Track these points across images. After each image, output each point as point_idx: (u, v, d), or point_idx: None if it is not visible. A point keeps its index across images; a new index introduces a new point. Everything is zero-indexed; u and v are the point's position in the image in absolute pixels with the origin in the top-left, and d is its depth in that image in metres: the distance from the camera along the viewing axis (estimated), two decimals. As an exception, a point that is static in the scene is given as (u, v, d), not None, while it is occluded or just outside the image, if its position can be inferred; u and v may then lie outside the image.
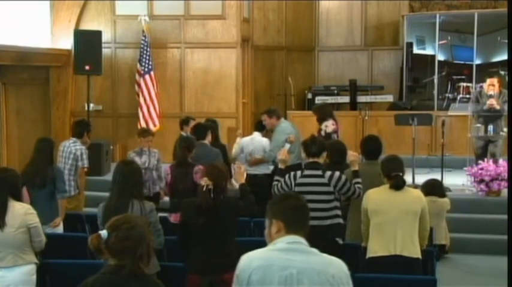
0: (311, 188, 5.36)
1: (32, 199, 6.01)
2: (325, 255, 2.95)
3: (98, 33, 10.71)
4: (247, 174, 8.06)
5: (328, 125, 8.31)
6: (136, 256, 2.86)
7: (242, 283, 2.92)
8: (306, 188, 5.41)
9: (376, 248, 4.94)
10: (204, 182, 4.62)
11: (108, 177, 9.48)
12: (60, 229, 6.36)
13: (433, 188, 7.35)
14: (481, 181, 8.47)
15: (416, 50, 13.35)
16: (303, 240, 2.93)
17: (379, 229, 4.94)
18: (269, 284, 2.87)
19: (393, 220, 4.88)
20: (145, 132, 7.78)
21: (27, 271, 4.77)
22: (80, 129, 7.51)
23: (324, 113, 8.50)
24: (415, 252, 4.90)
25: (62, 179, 6.45)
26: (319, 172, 5.45)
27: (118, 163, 5.01)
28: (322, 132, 8.21)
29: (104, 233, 2.87)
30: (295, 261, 2.87)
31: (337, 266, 2.93)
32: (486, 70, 12.08)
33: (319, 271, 2.87)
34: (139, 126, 11.01)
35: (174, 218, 6.36)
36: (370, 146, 6.01)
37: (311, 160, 5.56)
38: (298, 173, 5.49)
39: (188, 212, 4.76)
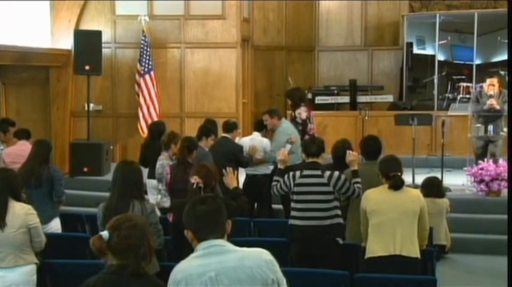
0: (310, 188, 5.37)
1: (28, 199, 6.01)
2: (242, 249, 2.97)
3: (98, 33, 10.71)
4: (246, 174, 8.08)
5: (301, 112, 8.61)
6: (139, 255, 2.86)
7: None
8: (305, 188, 5.41)
9: (375, 248, 4.94)
10: (194, 180, 4.61)
11: (108, 177, 9.47)
12: (58, 230, 6.34)
13: (432, 188, 7.35)
14: (481, 181, 8.47)
15: (416, 50, 13.35)
16: (218, 241, 2.94)
17: (378, 229, 4.94)
18: None
19: (392, 220, 4.88)
20: (177, 136, 7.24)
21: (28, 271, 4.78)
22: None
23: (298, 98, 8.82)
24: (415, 252, 4.91)
25: (60, 182, 6.42)
26: (319, 172, 5.45)
27: (118, 163, 5.00)
28: (298, 119, 8.53)
29: (105, 234, 2.87)
30: (212, 264, 2.90)
31: (252, 257, 2.94)
32: (486, 70, 12.07)
33: (234, 267, 2.89)
34: (139, 127, 11.04)
35: (172, 217, 6.35)
36: (370, 146, 6.01)
37: (310, 160, 5.56)
38: (298, 173, 5.49)
39: (179, 211, 4.75)
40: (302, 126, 8.50)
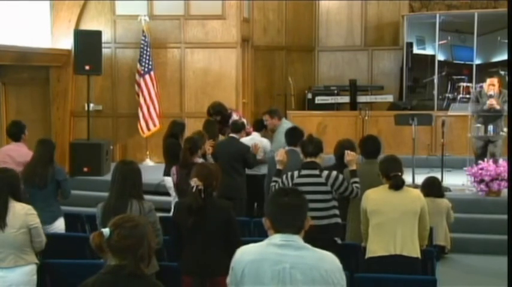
0: (308, 187, 5.36)
1: (31, 199, 6.00)
2: (318, 250, 2.97)
3: (98, 33, 10.71)
4: (246, 174, 8.07)
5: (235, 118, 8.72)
6: (137, 256, 2.85)
7: (237, 275, 2.98)
8: (303, 188, 5.39)
9: (375, 248, 4.94)
10: (194, 182, 4.59)
11: (108, 177, 9.45)
12: (62, 229, 6.34)
13: (432, 188, 7.35)
14: (481, 181, 8.47)
15: (416, 50, 13.35)
16: (295, 237, 2.94)
17: (378, 229, 4.94)
18: (262, 278, 2.91)
19: (392, 220, 4.88)
20: (204, 136, 7.14)
21: (28, 271, 4.78)
22: None
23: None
24: (415, 252, 4.90)
25: (66, 182, 6.38)
26: (316, 172, 5.45)
27: (117, 163, 4.99)
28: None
29: (106, 231, 2.86)
30: (288, 256, 2.90)
31: (329, 261, 2.95)
32: (486, 70, 12.08)
33: (311, 265, 2.89)
34: (139, 127, 11.04)
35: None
36: (369, 146, 6.02)
37: (308, 159, 5.56)
38: (296, 173, 5.49)
39: (179, 212, 4.75)
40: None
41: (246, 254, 2.99)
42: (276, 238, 2.94)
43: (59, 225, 6.31)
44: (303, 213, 3.00)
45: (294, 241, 2.92)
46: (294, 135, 6.91)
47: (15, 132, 6.99)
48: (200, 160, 6.43)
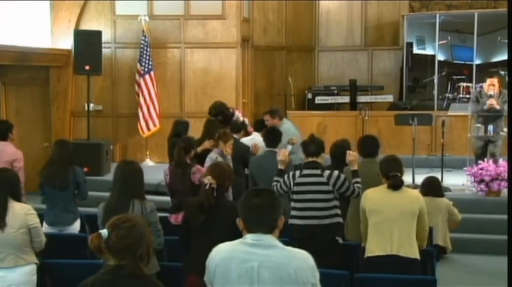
0: (310, 187, 5.37)
1: (52, 200, 6.00)
2: (289, 248, 2.98)
3: (98, 33, 10.71)
4: (246, 175, 8.07)
5: (239, 116, 8.87)
6: (136, 256, 2.85)
7: (209, 272, 3.04)
8: (304, 187, 5.42)
9: (373, 247, 4.94)
10: (207, 180, 4.60)
11: (108, 177, 9.48)
12: (76, 230, 6.34)
13: (432, 187, 7.35)
14: (481, 181, 8.47)
15: (416, 50, 13.35)
16: (266, 237, 2.95)
17: (376, 228, 4.95)
18: (230, 276, 2.94)
19: (390, 220, 4.88)
20: (227, 135, 7.17)
21: (28, 271, 4.78)
22: None
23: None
24: (413, 252, 4.89)
25: (85, 183, 6.38)
26: (318, 171, 5.45)
27: (119, 163, 4.99)
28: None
29: (104, 232, 2.87)
30: (256, 255, 2.92)
31: (300, 259, 2.95)
32: (486, 70, 12.08)
33: (280, 264, 2.90)
34: (139, 127, 11.04)
35: (174, 218, 6.35)
36: (368, 146, 6.02)
37: (310, 159, 5.56)
38: (297, 172, 5.50)
39: (190, 210, 4.74)
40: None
41: (218, 252, 3.04)
42: (247, 238, 2.97)
43: (77, 226, 6.34)
44: (275, 212, 3.00)
45: (263, 240, 2.94)
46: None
47: (2, 132, 6.98)
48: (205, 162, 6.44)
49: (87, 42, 10.43)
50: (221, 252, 3.02)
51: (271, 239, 2.95)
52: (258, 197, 3.00)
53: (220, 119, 8.54)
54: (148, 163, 11.23)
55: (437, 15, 12.85)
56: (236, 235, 4.50)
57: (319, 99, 12.63)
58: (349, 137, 7.29)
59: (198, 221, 4.56)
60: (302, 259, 2.96)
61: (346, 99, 12.82)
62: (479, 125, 9.25)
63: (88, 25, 11.41)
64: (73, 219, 6.22)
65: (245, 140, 8.27)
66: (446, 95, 12.68)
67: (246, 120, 9.00)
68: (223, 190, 4.66)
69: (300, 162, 7.57)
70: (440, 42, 12.91)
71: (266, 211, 2.98)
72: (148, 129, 11.03)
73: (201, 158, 7.05)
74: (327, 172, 5.44)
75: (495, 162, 8.62)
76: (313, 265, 2.97)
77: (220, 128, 8.44)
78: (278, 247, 2.95)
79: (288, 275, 2.89)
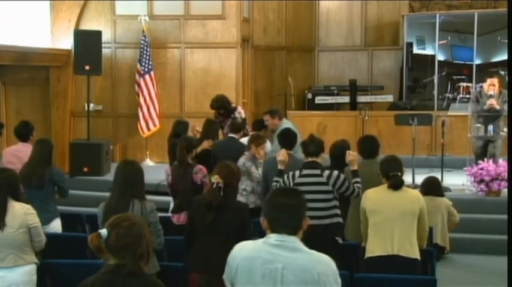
0: (309, 187, 5.36)
1: (28, 199, 5.98)
2: (314, 252, 2.96)
3: (98, 33, 10.70)
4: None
5: (241, 112, 8.97)
6: (136, 255, 2.86)
7: (231, 270, 3.01)
8: (304, 187, 5.40)
9: (373, 248, 4.94)
10: (215, 179, 4.60)
11: (108, 177, 9.50)
12: (59, 230, 6.33)
13: (432, 187, 7.36)
14: (481, 181, 8.47)
15: (416, 50, 13.35)
16: (291, 238, 2.93)
17: (376, 228, 4.94)
18: (253, 275, 2.92)
19: (390, 220, 4.88)
20: (260, 138, 7.15)
21: (28, 271, 4.77)
22: None
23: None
24: (413, 252, 4.89)
25: (64, 182, 6.37)
26: (318, 171, 5.45)
27: (119, 163, 4.98)
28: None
29: (103, 231, 2.87)
30: (281, 256, 2.89)
31: (324, 263, 2.93)
32: (486, 70, 12.09)
33: (304, 267, 2.88)
34: (139, 127, 11.04)
35: (176, 218, 6.35)
36: (368, 146, 6.02)
37: (309, 159, 5.56)
38: (297, 172, 5.50)
39: (197, 210, 4.73)
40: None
41: (241, 250, 3.01)
42: (271, 238, 2.94)
43: (56, 226, 6.28)
44: (300, 213, 2.98)
45: (288, 242, 2.92)
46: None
47: (24, 133, 7.07)
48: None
49: (87, 42, 10.43)
50: (245, 250, 2.99)
51: (295, 242, 2.93)
52: (285, 197, 2.98)
53: (222, 112, 8.59)
54: (148, 163, 11.23)
55: (437, 15, 12.85)
56: (243, 236, 4.52)
57: (319, 99, 12.63)
58: (349, 137, 7.28)
59: (205, 220, 4.55)
60: (326, 263, 2.94)
61: (346, 99, 12.82)
62: (479, 125, 9.25)
63: (88, 25, 11.41)
64: (49, 219, 6.10)
65: (244, 140, 8.26)
66: (446, 95, 12.67)
67: (243, 114, 9.05)
68: (231, 189, 4.66)
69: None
70: (440, 42, 12.92)
71: (293, 212, 2.96)
72: (148, 129, 11.03)
73: (200, 159, 7.05)
74: (327, 172, 5.44)
75: (495, 162, 8.62)
76: (336, 270, 2.95)
77: (219, 125, 8.48)
78: (303, 250, 2.93)
79: (312, 278, 2.86)
